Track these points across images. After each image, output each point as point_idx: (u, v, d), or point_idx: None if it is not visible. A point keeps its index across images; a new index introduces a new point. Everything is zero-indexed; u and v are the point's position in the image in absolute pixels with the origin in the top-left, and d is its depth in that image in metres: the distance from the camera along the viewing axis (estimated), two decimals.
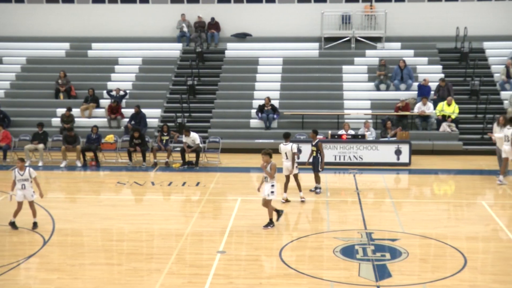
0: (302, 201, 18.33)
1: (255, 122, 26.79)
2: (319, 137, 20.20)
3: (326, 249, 14.62)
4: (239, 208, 17.94)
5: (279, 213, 16.18)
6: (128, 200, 19.43)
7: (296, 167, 18.41)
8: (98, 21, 32.27)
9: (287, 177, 18.45)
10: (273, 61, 30.33)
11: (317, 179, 19.38)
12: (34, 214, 16.02)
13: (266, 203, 15.96)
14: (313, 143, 19.32)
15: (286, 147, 18.23)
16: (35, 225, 15.93)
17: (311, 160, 19.45)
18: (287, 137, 18.48)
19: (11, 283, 12.89)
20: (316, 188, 19.46)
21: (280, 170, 17.78)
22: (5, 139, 24.15)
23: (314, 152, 19.27)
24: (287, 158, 18.26)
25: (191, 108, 27.81)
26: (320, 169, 19.14)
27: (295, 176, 18.46)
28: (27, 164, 23.24)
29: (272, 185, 15.87)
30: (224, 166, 23.51)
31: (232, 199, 19.07)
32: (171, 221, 16.86)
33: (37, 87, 29.25)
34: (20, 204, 15.81)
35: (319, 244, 15.12)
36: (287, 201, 18.33)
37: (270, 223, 15.97)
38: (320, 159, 19.07)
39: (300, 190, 18.49)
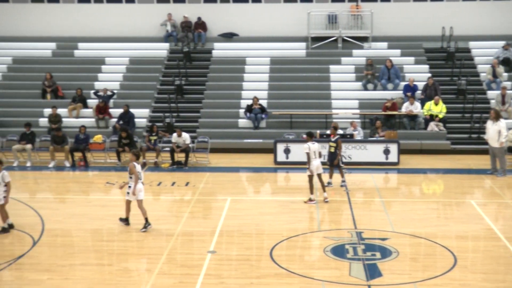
0: (326, 201, 18.30)
1: (243, 122, 26.80)
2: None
3: (316, 249, 14.67)
4: (229, 208, 17.94)
5: (126, 221, 16.18)
6: (118, 200, 19.31)
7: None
8: (85, 21, 32.11)
9: (313, 177, 18.32)
10: (261, 60, 30.34)
11: (341, 173, 20.23)
12: (3, 219, 15.63)
13: (136, 204, 15.92)
14: (333, 140, 19.83)
15: (315, 146, 18.30)
16: (3, 230, 15.59)
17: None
18: (311, 136, 18.58)
19: (1, 283, 12.83)
20: (343, 181, 20.22)
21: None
22: None
23: (333, 148, 19.76)
24: (315, 157, 18.27)
25: (179, 108, 27.76)
26: (341, 164, 19.99)
27: (320, 176, 18.44)
28: (15, 165, 23.23)
29: (129, 186, 15.84)
30: (213, 166, 23.50)
31: (221, 199, 19.07)
32: (161, 221, 16.82)
33: (24, 87, 29.07)
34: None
35: (309, 243, 15.18)
36: (311, 201, 18.31)
37: (126, 220, 16.14)
38: (337, 155, 19.67)
39: (324, 190, 18.47)
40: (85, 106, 27.41)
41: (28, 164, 23.53)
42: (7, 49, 31.30)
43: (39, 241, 15.12)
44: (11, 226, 15.73)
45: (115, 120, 26.29)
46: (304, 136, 23.95)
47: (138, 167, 15.86)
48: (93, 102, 27.43)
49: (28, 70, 30.11)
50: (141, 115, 27.05)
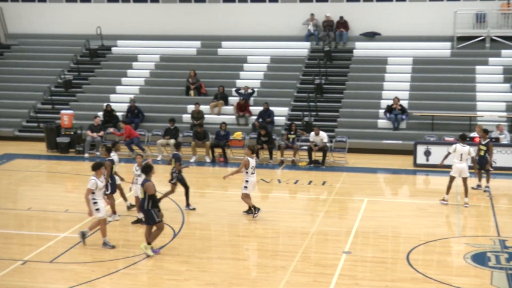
0: (466, 206, 17.74)
1: (382, 122, 26.35)
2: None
3: (455, 255, 14.19)
4: (366, 209, 17.72)
5: (255, 210, 16.87)
6: (255, 197, 19.47)
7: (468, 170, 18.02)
8: (229, 20, 32.79)
9: (454, 179, 17.93)
10: (403, 60, 29.70)
11: (488, 178, 19.51)
12: (138, 210, 16.20)
13: (242, 196, 16.95)
14: (484, 142, 19.33)
15: (464, 149, 17.82)
16: (139, 220, 16.20)
17: (475, 159, 18.89)
18: (464, 138, 18.14)
19: (142, 272, 13.38)
20: (486, 187, 19.47)
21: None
22: (129, 134, 24.89)
23: (482, 152, 19.16)
24: (461, 160, 17.78)
25: (318, 107, 27.73)
26: (491, 168, 19.32)
27: (465, 180, 17.93)
28: (158, 158, 24.13)
29: (246, 180, 16.66)
30: (350, 166, 23.26)
31: (358, 200, 18.86)
32: (297, 219, 16.91)
33: (169, 84, 30.15)
34: (136, 198, 16.39)
35: (448, 249, 14.69)
36: (444, 200, 17.88)
37: (249, 210, 16.96)
38: (488, 158, 19.05)
39: (466, 195, 17.93)
40: (227, 103, 28.00)
41: None
42: (155, 47, 32.58)
43: (179, 233, 15.62)
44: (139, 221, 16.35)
45: (254, 117, 26.67)
46: (446, 138, 23.33)
47: (252, 161, 16.57)
48: (234, 99, 27.97)
49: (174, 67, 31.16)
50: (281, 113, 27.28)
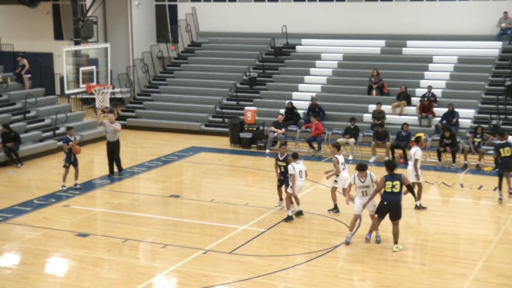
0: None
1: None
2: None
3: None
4: None
5: (335, 208, 17.05)
6: (435, 200, 19.03)
7: None
8: (414, 18, 31.99)
9: None
10: None
11: None
12: (288, 206, 16.66)
13: (331, 189, 17.16)
14: None
15: None
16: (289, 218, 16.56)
17: None
18: None
19: (318, 269, 13.46)
20: None
21: None
22: (317, 130, 25.14)
23: None
24: None
25: (508, 110, 26.33)
26: None
27: None
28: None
29: (336, 175, 16.81)
30: None
31: None
32: (480, 226, 16.20)
33: (352, 83, 30.01)
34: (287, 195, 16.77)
35: None
36: None
37: (335, 208, 17.04)
38: None
39: None
40: (409, 103, 27.38)
41: (350, 157, 24.25)
42: (339, 46, 32.53)
43: (355, 233, 15.47)
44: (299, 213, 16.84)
45: (438, 119, 25.86)
46: None
47: (340, 158, 16.81)
48: (417, 100, 27.28)
49: (357, 66, 30.95)
50: (466, 116, 26.20)
